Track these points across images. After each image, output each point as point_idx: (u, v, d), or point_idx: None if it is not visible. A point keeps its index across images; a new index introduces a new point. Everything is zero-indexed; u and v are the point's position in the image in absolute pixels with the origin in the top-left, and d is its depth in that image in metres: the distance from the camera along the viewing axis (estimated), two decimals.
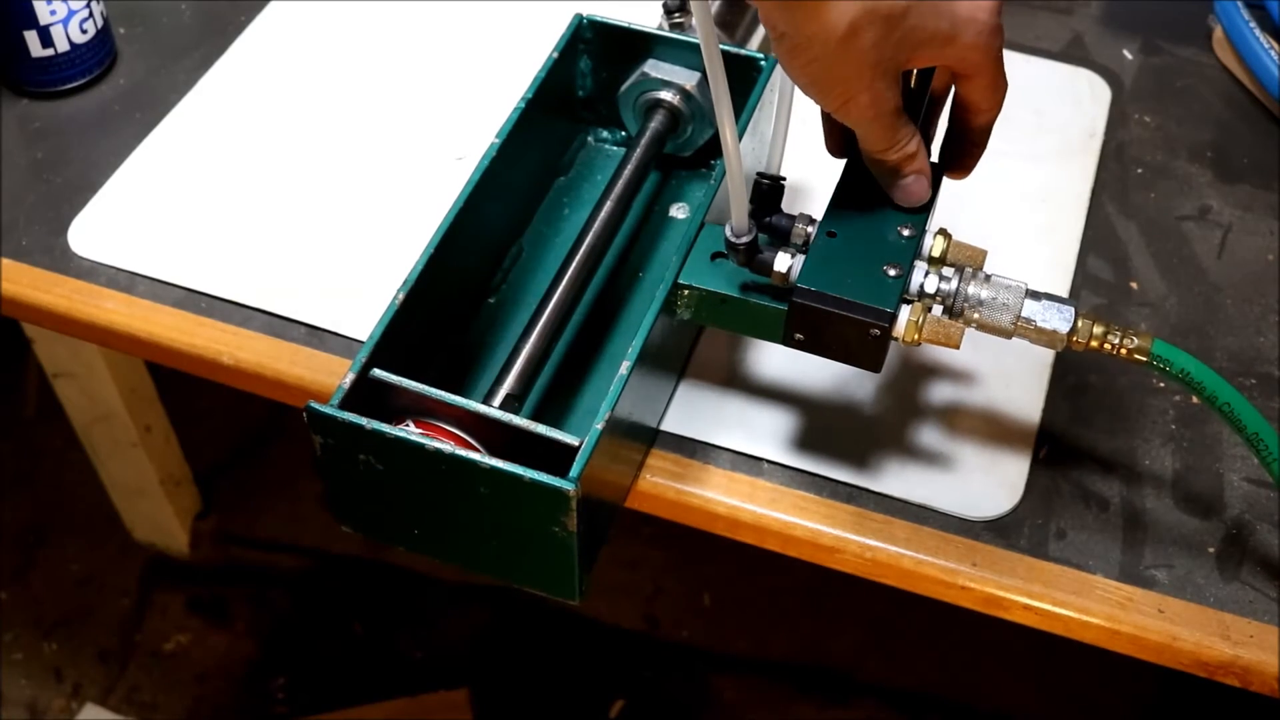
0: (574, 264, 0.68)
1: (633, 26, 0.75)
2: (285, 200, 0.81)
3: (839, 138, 0.64)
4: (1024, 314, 0.60)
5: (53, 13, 0.82)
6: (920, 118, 0.63)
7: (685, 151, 0.78)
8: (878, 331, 0.59)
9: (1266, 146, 0.86)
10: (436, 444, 0.57)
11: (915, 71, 0.63)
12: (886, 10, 0.53)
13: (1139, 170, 0.85)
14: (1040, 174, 0.84)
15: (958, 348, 0.60)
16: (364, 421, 0.58)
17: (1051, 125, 0.87)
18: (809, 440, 0.70)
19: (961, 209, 0.79)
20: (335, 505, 0.64)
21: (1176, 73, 0.91)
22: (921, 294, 0.61)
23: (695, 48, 0.74)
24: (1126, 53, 0.92)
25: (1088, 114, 0.88)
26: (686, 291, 0.64)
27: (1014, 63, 0.90)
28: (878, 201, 0.63)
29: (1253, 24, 0.87)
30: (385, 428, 0.57)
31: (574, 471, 0.56)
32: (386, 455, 0.59)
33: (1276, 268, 0.80)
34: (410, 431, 0.58)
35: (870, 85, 0.55)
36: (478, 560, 0.63)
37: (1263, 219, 0.82)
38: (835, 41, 0.52)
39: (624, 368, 0.60)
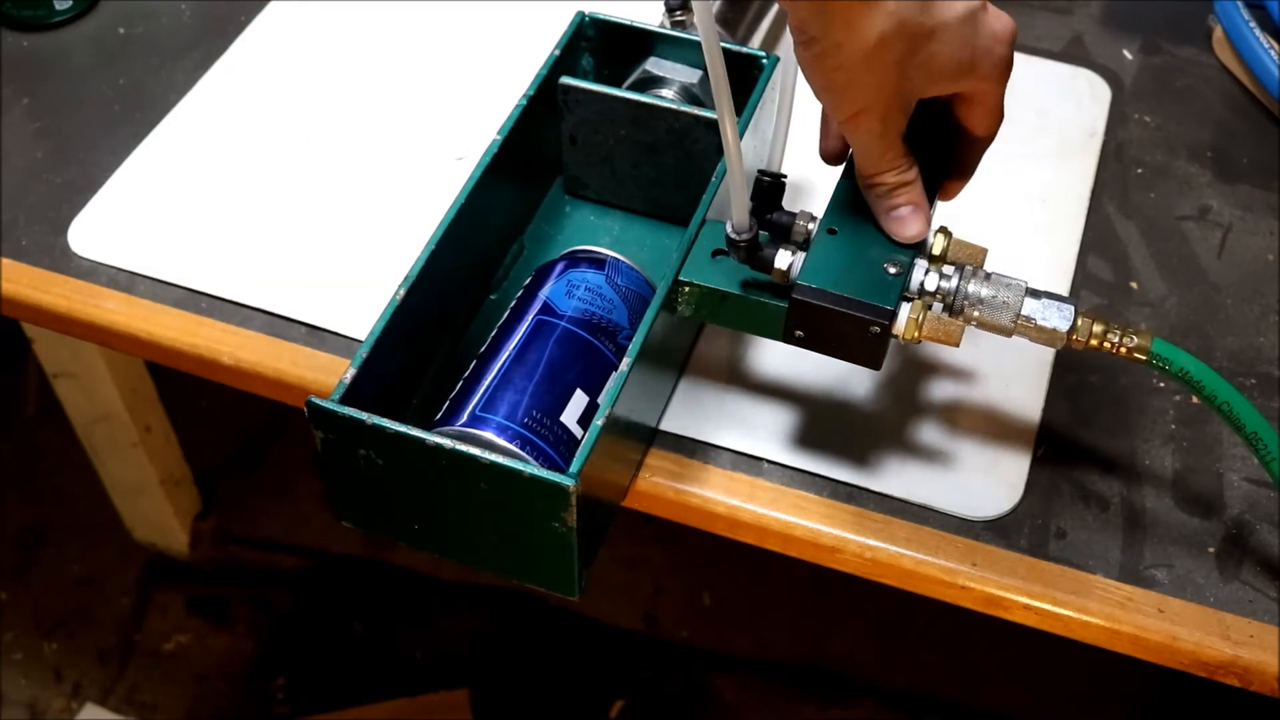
0: None
1: (635, 24, 0.75)
2: (285, 200, 0.81)
3: (835, 142, 0.64)
4: (1024, 312, 0.60)
5: None
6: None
7: None
8: (878, 329, 0.59)
9: (1266, 146, 0.86)
10: (436, 440, 0.57)
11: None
12: (914, 29, 0.54)
13: (1139, 170, 0.85)
14: (1040, 174, 0.84)
15: (957, 346, 0.60)
16: (364, 416, 0.58)
17: (1051, 125, 0.87)
18: (809, 439, 0.70)
19: (961, 209, 0.79)
20: (335, 501, 0.64)
21: (1176, 73, 0.91)
22: (922, 292, 0.61)
23: (697, 45, 0.74)
24: (1126, 53, 0.92)
25: (1088, 114, 0.88)
26: (687, 288, 0.64)
27: (1014, 63, 0.90)
28: None
29: (1253, 24, 0.87)
30: (386, 423, 0.57)
31: (574, 467, 0.57)
32: (387, 451, 0.59)
33: (1276, 268, 0.80)
34: (410, 427, 0.58)
35: (885, 102, 0.55)
36: (477, 556, 0.63)
37: (1263, 219, 0.82)
38: (863, 51, 0.53)
39: (624, 364, 0.60)
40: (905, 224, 0.60)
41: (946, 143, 0.62)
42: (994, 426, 0.71)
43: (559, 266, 0.69)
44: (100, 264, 0.77)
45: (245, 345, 0.74)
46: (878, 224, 0.61)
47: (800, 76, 0.68)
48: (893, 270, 0.60)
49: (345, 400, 0.59)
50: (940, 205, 0.65)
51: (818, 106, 0.64)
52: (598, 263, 0.68)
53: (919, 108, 0.58)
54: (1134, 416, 0.72)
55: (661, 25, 0.77)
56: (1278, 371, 0.74)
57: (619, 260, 0.68)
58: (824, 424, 0.71)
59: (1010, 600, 0.66)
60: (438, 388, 0.68)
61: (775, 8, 0.86)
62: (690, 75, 0.75)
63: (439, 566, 1.59)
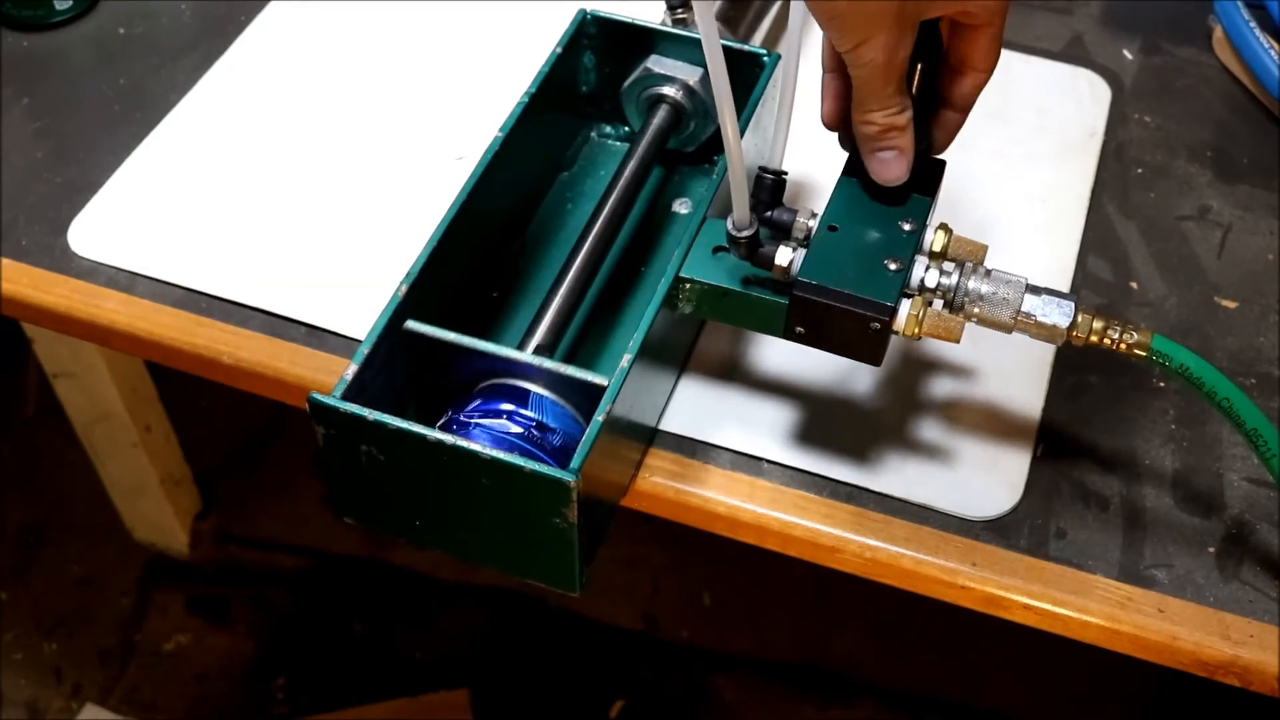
0: (577, 260, 0.68)
1: (636, 22, 0.75)
2: (285, 200, 0.81)
3: (838, 105, 0.64)
4: (1024, 309, 0.60)
5: None
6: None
7: (688, 147, 0.78)
8: (878, 325, 0.59)
9: (1266, 146, 0.86)
10: (438, 435, 0.57)
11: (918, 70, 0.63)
12: None
13: (1139, 170, 0.85)
14: (1040, 174, 0.84)
15: (958, 342, 0.60)
16: (366, 412, 0.58)
17: (1051, 125, 0.87)
18: (809, 438, 0.70)
19: (961, 209, 0.79)
20: (336, 497, 0.64)
21: (1176, 73, 0.91)
22: (922, 288, 0.61)
23: (698, 43, 0.74)
24: (1126, 53, 0.92)
25: (1088, 114, 0.88)
26: (688, 285, 0.64)
27: (1014, 63, 0.91)
28: (879, 196, 0.63)
29: (1253, 24, 0.87)
30: (387, 419, 0.58)
31: (575, 463, 0.57)
32: (388, 447, 0.59)
33: (1276, 268, 0.80)
34: (411, 423, 0.58)
35: (890, 27, 0.56)
36: (478, 551, 0.64)
37: (1263, 219, 0.82)
38: None
39: (625, 360, 0.60)
40: (888, 166, 0.61)
41: (943, 82, 0.62)
42: (994, 425, 0.71)
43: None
44: (100, 264, 0.77)
45: (245, 345, 0.74)
46: (863, 166, 0.62)
47: (800, 76, 0.68)
48: (893, 267, 0.60)
49: (347, 396, 0.59)
50: (940, 205, 0.65)
51: (818, 106, 0.64)
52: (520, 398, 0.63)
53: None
54: (1134, 416, 0.72)
55: (663, 23, 0.77)
56: (1278, 371, 0.74)
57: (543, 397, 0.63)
58: (824, 423, 0.71)
59: (1010, 600, 0.66)
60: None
61: (776, 6, 0.86)
62: (691, 73, 0.75)
63: (439, 566, 1.59)
